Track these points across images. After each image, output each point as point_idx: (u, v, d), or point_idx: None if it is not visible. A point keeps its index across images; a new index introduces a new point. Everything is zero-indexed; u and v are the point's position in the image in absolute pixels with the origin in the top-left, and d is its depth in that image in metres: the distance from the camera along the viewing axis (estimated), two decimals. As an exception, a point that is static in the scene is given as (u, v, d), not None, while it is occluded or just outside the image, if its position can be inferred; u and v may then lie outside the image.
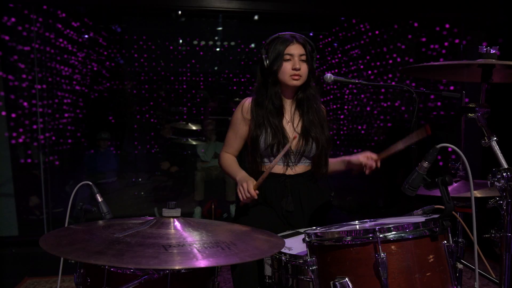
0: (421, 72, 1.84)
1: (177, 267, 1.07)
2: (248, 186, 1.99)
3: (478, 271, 1.34)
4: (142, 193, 5.94)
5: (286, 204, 2.20)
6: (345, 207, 5.38)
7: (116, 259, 1.09)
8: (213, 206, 4.94)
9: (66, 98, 5.37)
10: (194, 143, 5.56)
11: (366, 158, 2.09)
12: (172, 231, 1.35)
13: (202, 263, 1.12)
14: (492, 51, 1.51)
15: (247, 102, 2.27)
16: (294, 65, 2.12)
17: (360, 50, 6.23)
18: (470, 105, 1.52)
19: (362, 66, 6.26)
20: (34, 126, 4.45)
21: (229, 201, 5.11)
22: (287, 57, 2.13)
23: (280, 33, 2.21)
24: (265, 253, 1.27)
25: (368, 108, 6.12)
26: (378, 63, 6.01)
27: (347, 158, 2.22)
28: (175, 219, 1.41)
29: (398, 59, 5.84)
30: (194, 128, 5.52)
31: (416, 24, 5.40)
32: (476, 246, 1.35)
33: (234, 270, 1.98)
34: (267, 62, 2.15)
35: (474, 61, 1.52)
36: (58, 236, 1.33)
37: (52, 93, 4.92)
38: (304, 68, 2.15)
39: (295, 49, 2.14)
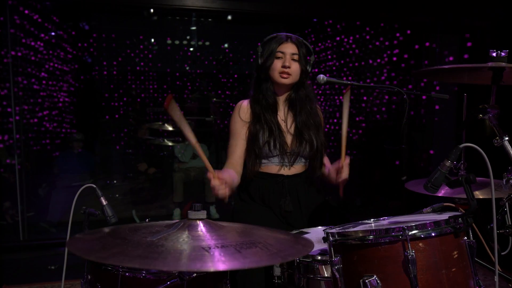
0: (431, 75, 1.90)
1: (230, 268, 1.05)
2: (214, 183, 1.82)
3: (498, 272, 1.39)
4: (117, 195, 5.79)
5: (285, 204, 2.20)
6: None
7: (163, 263, 1.06)
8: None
9: (35, 98, 5.17)
10: (170, 143, 5.47)
11: (334, 170, 2.10)
12: (201, 233, 1.32)
13: (247, 262, 1.10)
14: (503, 54, 1.57)
15: (244, 104, 2.26)
16: (284, 62, 2.14)
17: (333, 51, 6.34)
18: (482, 106, 1.58)
19: (334, 67, 6.36)
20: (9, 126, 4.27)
21: (209, 202, 5.07)
22: (279, 54, 2.16)
23: (278, 33, 2.23)
24: (300, 252, 1.27)
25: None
26: (350, 65, 6.13)
27: (328, 166, 2.26)
28: (201, 221, 1.38)
29: (370, 61, 5.98)
30: (170, 128, 5.43)
31: (388, 27, 5.54)
32: (496, 246, 1.40)
33: (235, 272, 1.96)
34: (261, 59, 2.19)
35: (485, 64, 1.59)
36: (86, 241, 1.28)
37: (21, 93, 4.73)
38: (295, 67, 2.16)
39: (287, 48, 2.16)
